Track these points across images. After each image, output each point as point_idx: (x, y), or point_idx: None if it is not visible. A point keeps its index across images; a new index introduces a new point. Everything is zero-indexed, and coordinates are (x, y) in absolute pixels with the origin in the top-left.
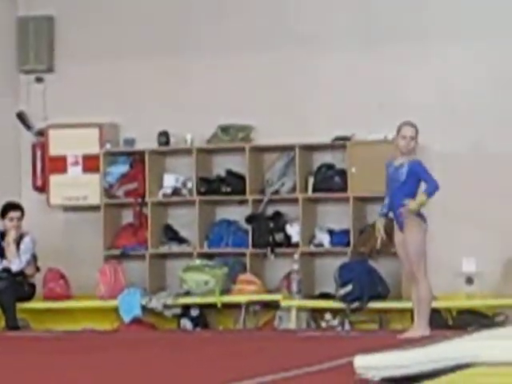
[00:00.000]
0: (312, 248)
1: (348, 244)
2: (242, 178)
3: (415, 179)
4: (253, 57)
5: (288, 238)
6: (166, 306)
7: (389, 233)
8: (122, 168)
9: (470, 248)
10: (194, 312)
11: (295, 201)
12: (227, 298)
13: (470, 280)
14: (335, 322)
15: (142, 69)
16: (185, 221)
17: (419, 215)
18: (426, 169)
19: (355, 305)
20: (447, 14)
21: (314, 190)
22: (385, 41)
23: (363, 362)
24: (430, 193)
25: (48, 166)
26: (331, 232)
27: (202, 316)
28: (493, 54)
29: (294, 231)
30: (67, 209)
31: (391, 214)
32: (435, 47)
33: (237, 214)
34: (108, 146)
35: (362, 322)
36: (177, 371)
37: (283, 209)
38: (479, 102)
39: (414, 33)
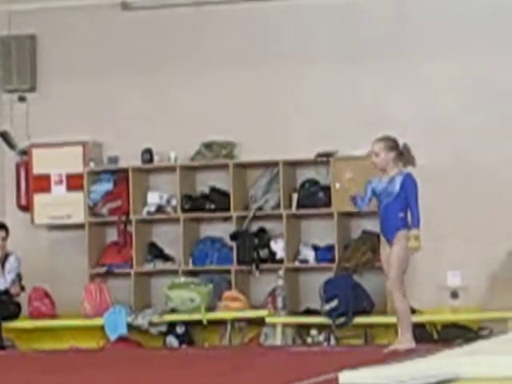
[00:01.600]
0: (297, 264)
1: (333, 260)
2: (225, 194)
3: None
4: (236, 74)
5: (273, 254)
6: (151, 324)
7: (373, 248)
8: (105, 186)
9: (455, 262)
10: (180, 329)
11: (279, 217)
12: (213, 315)
13: (455, 294)
14: (321, 338)
15: (125, 87)
16: (169, 238)
17: (407, 227)
18: (415, 189)
19: (340, 320)
20: (430, 29)
21: (298, 206)
22: (368, 56)
23: (348, 378)
24: (417, 225)
25: (32, 185)
26: (316, 248)
27: (188, 333)
28: (475, 68)
29: (278, 247)
30: (52, 228)
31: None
32: (419, 62)
33: (221, 230)
34: (92, 165)
35: (348, 338)
36: None
37: (267, 225)
38: (463, 115)
39: (397, 48)
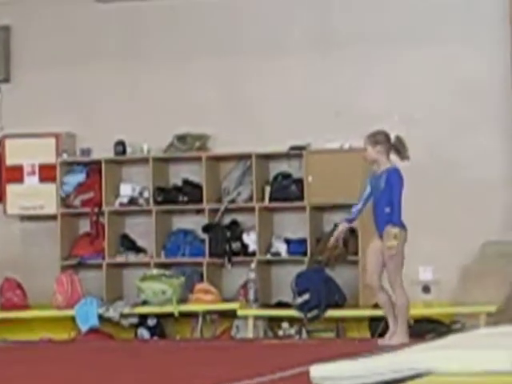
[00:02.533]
0: (269, 257)
1: (305, 253)
2: (198, 187)
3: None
4: (209, 65)
5: (245, 246)
6: (123, 316)
7: (346, 242)
8: (78, 177)
9: (427, 256)
10: (151, 321)
11: (252, 210)
12: (184, 308)
13: (426, 288)
14: (292, 331)
15: (99, 78)
16: (142, 230)
17: (400, 224)
18: (397, 186)
19: (312, 313)
20: (406, 20)
21: (271, 199)
22: (341, 48)
23: (319, 372)
24: (396, 224)
25: (4, 175)
26: (288, 241)
27: (160, 325)
28: (450, 61)
29: (250, 240)
30: (24, 218)
31: (354, 223)
32: (393, 54)
33: (193, 223)
34: (64, 156)
35: (320, 331)
36: (134, 381)
37: (240, 218)
38: (436, 109)
39: (372, 40)
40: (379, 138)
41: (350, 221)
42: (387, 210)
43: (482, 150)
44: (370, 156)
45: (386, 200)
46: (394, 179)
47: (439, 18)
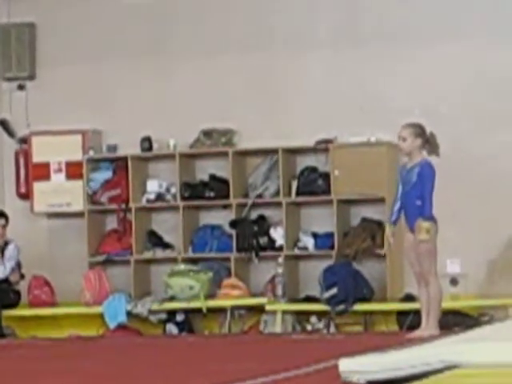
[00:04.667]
0: (296, 251)
1: (332, 247)
2: (225, 182)
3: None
4: (235, 60)
5: (272, 241)
6: (151, 312)
7: (373, 235)
8: (105, 174)
9: (455, 249)
10: (180, 317)
11: (279, 204)
12: (212, 303)
13: (454, 281)
14: (320, 325)
15: (124, 75)
16: (169, 226)
17: (431, 217)
18: (430, 179)
19: (340, 307)
20: (431, 15)
21: (298, 193)
22: (368, 42)
23: (348, 366)
24: (427, 218)
25: (31, 173)
26: (315, 235)
27: (188, 321)
28: (476, 55)
29: (278, 235)
30: (51, 216)
31: (394, 217)
32: (419, 48)
33: (221, 218)
34: (91, 153)
35: (347, 325)
36: (163, 376)
37: (267, 213)
38: (462, 103)
39: (398, 34)
40: (420, 131)
41: (394, 222)
42: (418, 202)
43: (508, 143)
44: (410, 147)
45: (418, 193)
46: (427, 172)
47: (465, 12)
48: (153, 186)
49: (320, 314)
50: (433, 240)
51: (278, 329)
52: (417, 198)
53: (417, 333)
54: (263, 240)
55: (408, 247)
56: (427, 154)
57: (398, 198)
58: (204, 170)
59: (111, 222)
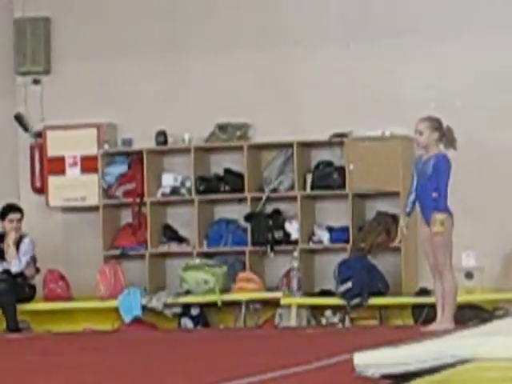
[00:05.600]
0: (311, 245)
1: (347, 241)
2: (240, 176)
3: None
4: (249, 55)
5: (287, 235)
6: (166, 306)
7: (388, 229)
8: (120, 168)
9: (470, 243)
10: (195, 311)
11: (294, 198)
12: (227, 297)
13: (469, 275)
14: (336, 319)
15: (139, 69)
16: (184, 220)
17: (446, 209)
18: (445, 172)
19: (355, 301)
20: (444, 8)
21: (313, 187)
22: (380, 35)
23: (363, 359)
24: (442, 210)
25: (46, 167)
26: (330, 229)
27: (203, 315)
28: (490, 48)
29: (293, 229)
30: (66, 210)
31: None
32: (432, 40)
33: (236, 212)
34: (106, 147)
35: (362, 319)
36: (178, 370)
37: (282, 206)
38: (477, 95)
39: (411, 27)
40: (437, 125)
41: (408, 214)
42: (434, 195)
43: None
44: (427, 141)
45: (433, 185)
46: (443, 165)
47: (478, 6)
48: (168, 180)
49: (335, 308)
50: (448, 233)
51: (292, 323)
52: (432, 190)
53: (431, 327)
54: (278, 234)
55: (423, 239)
56: (444, 148)
57: (413, 190)
58: (219, 164)
59: (126, 216)
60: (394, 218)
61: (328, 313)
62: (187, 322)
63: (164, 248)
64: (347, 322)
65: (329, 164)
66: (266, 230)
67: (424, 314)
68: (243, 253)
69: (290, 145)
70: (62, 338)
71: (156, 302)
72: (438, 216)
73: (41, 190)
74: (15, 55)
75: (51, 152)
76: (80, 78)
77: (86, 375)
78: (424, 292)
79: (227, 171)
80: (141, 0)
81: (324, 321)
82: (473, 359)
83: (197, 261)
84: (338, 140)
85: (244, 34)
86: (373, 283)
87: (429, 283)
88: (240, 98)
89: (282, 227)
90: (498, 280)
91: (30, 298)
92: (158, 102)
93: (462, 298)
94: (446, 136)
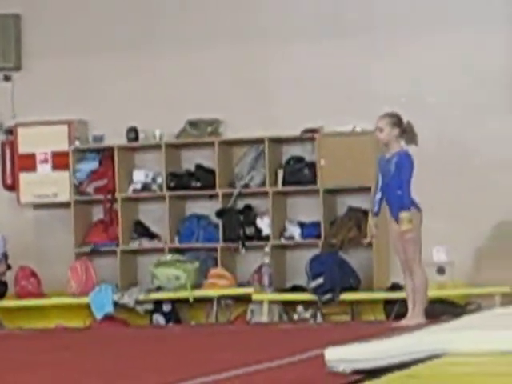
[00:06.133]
0: (283, 241)
1: (319, 236)
2: (211, 172)
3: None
4: (221, 51)
5: (259, 231)
6: (137, 302)
7: (359, 224)
8: (91, 165)
9: (441, 238)
10: (166, 307)
11: (265, 194)
12: (199, 293)
13: (441, 270)
14: (307, 315)
15: (110, 65)
16: (155, 216)
17: (414, 205)
18: (408, 169)
19: (327, 297)
20: (418, 4)
21: (284, 182)
22: (354, 31)
23: (334, 355)
24: (407, 208)
25: (17, 163)
26: (302, 224)
27: (174, 311)
28: (463, 45)
29: (264, 224)
30: (37, 206)
31: (376, 208)
32: (405, 37)
33: (207, 208)
34: (77, 143)
35: (334, 314)
36: (150, 366)
37: (253, 202)
38: (448, 92)
39: (385, 22)
40: (397, 121)
41: (376, 213)
42: (399, 192)
43: (494, 133)
44: (386, 138)
45: (397, 183)
46: (405, 162)
47: (452, 2)
48: (139, 177)
49: (307, 304)
50: (417, 229)
51: (264, 318)
52: (397, 188)
53: (403, 322)
54: (250, 230)
55: (394, 237)
56: (406, 144)
57: (379, 189)
58: (190, 160)
59: (97, 213)
60: (366, 214)
61: (300, 308)
62: (159, 319)
63: (135, 244)
64: (319, 318)
65: (300, 159)
66: (238, 225)
67: (395, 310)
68: (215, 249)
69: (261, 140)
70: (33, 334)
71: (128, 299)
72: (404, 214)
73: (12, 187)
74: None
75: (22, 149)
76: (51, 75)
77: (58, 372)
78: (396, 287)
79: (198, 167)
80: None
81: (296, 316)
82: (444, 354)
83: (168, 257)
84: (309, 135)
85: (216, 30)
86: (344, 279)
87: (400, 278)
88: (211, 94)
89: (254, 223)
90: (470, 275)
91: (1, 294)
92: (129, 99)
93: (434, 292)
94: (406, 132)
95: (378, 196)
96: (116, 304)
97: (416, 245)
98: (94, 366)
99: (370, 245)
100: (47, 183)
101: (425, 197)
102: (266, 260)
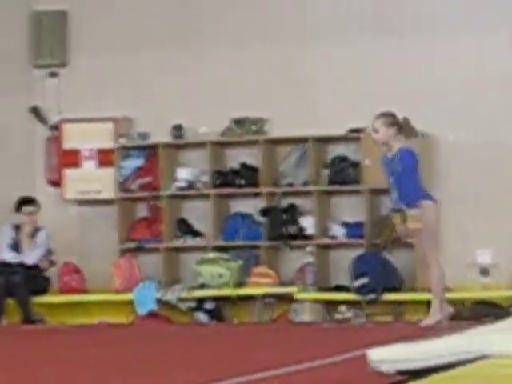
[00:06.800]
0: (326, 240)
1: (362, 236)
2: (255, 170)
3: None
4: (266, 49)
5: (302, 230)
6: (180, 299)
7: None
8: (136, 162)
9: (485, 239)
10: (209, 305)
11: (309, 193)
12: (242, 291)
13: (485, 271)
14: (350, 314)
15: (156, 62)
16: (199, 214)
17: (427, 197)
18: (412, 166)
19: (370, 297)
20: (455, 5)
21: (328, 182)
22: (394, 32)
23: (377, 355)
24: (413, 205)
25: (62, 160)
26: (345, 224)
27: (217, 309)
28: (498, 46)
29: (308, 223)
30: (82, 203)
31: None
32: (445, 37)
33: (251, 206)
34: (122, 140)
35: (377, 314)
36: (192, 364)
37: (297, 201)
38: (487, 91)
39: (424, 23)
40: (393, 120)
41: (398, 210)
42: (408, 189)
43: None
44: (383, 138)
45: (405, 180)
46: (407, 158)
47: (488, 2)
48: (183, 174)
49: (350, 304)
50: (433, 221)
51: (307, 318)
52: (406, 184)
53: (424, 322)
54: (293, 229)
55: (401, 230)
56: (406, 139)
57: (393, 188)
58: (235, 158)
59: (141, 210)
60: None
61: (343, 308)
62: (201, 316)
63: (179, 242)
64: (362, 318)
65: (344, 159)
66: (281, 224)
67: None
68: (258, 247)
69: (305, 139)
70: (76, 330)
71: (171, 296)
72: (411, 212)
73: (57, 183)
74: (32, 48)
75: (67, 145)
76: (97, 72)
77: (100, 368)
78: None
79: (243, 165)
80: None
81: (338, 316)
82: (489, 355)
83: (211, 255)
84: (354, 135)
85: (260, 28)
86: (388, 279)
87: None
88: (256, 93)
89: (297, 222)
90: None
91: (43, 290)
92: (175, 96)
93: (478, 294)
94: (403, 128)
95: (395, 195)
96: (159, 301)
97: (431, 241)
98: (136, 362)
99: (412, 245)
100: (92, 180)
101: (469, 197)
102: (310, 259)
